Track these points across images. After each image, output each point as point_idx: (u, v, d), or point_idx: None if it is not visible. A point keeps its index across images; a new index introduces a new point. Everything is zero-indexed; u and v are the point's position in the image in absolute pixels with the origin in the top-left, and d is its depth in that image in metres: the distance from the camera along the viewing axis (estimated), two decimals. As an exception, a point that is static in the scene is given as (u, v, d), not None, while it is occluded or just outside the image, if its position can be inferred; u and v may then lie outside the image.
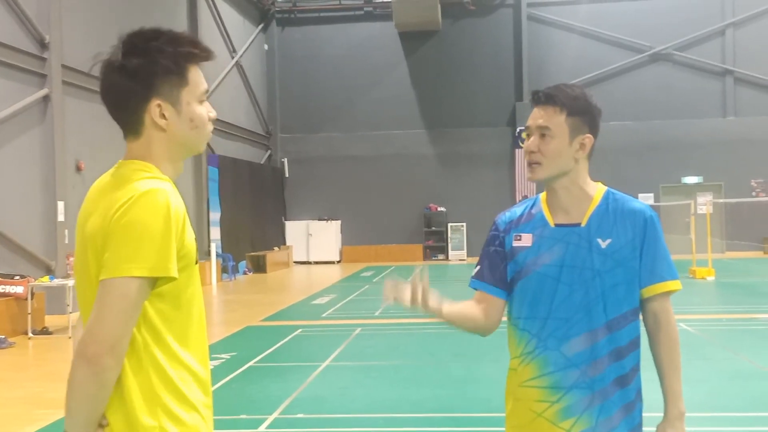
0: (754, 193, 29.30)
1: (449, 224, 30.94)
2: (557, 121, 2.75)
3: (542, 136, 2.77)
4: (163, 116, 2.20)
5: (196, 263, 2.23)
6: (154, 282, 2.07)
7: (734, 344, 10.72)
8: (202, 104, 2.29)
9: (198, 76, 2.26)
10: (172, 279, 2.08)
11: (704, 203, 23.56)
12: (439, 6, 29.34)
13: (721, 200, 26.81)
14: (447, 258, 30.93)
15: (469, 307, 2.90)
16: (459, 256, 30.55)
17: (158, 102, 2.18)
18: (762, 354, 9.94)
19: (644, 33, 30.27)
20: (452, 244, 30.94)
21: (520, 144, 29.82)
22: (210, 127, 2.31)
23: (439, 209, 31.07)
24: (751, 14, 29.85)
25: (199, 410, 2.18)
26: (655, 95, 30.06)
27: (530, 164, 2.80)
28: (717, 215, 27.91)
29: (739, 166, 29.50)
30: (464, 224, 30.65)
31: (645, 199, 28.98)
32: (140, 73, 2.14)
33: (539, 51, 30.81)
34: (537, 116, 2.79)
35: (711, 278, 19.73)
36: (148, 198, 2.05)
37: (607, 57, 30.46)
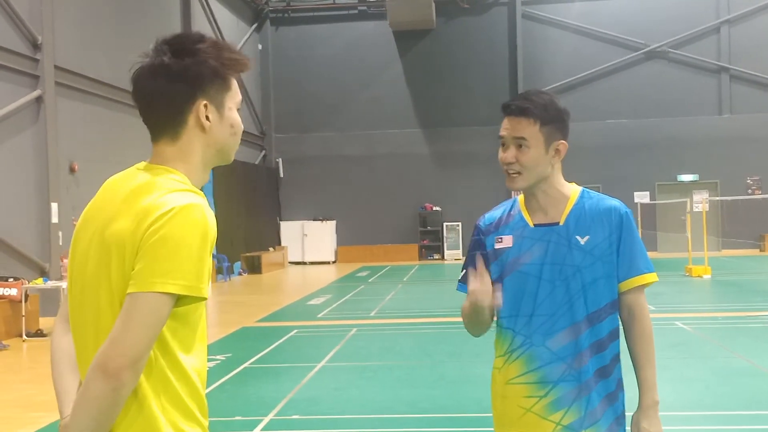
0: (750, 191, 29.32)
1: (444, 224, 30.91)
2: (532, 131, 2.84)
3: (519, 146, 2.85)
4: (207, 118, 2.17)
5: None
6: (178, 299, 2.00)
7: (730, 342, 10.70)
8: (239, 113, 2.29)
9: (236, 85, 2.25)
10: (202, 299, 2.03)
11: (700, 201, 23.57)
12: (433, 4, 29.32)
13: (717, 198, 26.83)
14: (443, 258, 30.90)
15: None
16: (455, 255, 30.49)
17: (205, 102, 2.16)
18: (758, 352, 9.93)
19: (639, 30, 30.27)
20: (448, 243, 30.91)
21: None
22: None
23: (434, 209, 31.04)
24: (746, 11, 29.88)
25: (202, 424, 2.13)
26: (651, 93, 30.06)
27: (509, 174, 2.88)
28: (713, 213, 27.91)
29: (734, 163, 29.52)
30: (460, 224, 30.61)
31: (641, 198, 29.01)
32: (189, 73, 2.12)
33: (534, 49, 30.80)
34: (510, 127, 2.88)
35: (707, 276, 19.73)
36: (188, 213, 1.99)
37: (602, 55, 30.46)
